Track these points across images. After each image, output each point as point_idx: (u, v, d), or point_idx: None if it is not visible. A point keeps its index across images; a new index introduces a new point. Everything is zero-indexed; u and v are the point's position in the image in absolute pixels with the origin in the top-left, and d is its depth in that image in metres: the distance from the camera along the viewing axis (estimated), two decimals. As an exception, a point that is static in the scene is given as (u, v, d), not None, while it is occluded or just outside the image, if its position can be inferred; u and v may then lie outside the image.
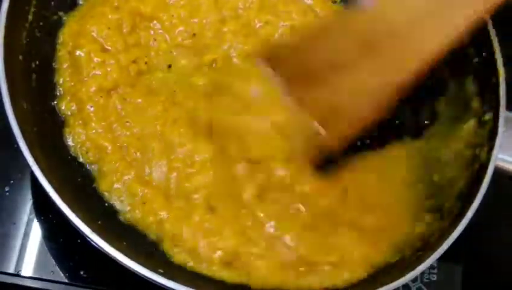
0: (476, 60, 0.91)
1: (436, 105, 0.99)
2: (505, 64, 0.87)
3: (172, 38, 0.97)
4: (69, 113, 0.89)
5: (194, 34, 0.98)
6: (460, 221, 0.79)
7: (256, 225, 0.86)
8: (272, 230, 0.86)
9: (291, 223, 0.87)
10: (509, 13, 0.78)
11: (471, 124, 0.89)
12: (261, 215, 0.87)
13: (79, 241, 0.87)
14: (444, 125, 0.96)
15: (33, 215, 0.92)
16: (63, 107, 0.90)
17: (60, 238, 0.91)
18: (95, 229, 0.74)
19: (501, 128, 0.84)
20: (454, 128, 0.92)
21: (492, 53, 0.87)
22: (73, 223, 0.74)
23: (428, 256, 0.78)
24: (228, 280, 0.83)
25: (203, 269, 0.83)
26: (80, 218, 0.74)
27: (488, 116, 0.87)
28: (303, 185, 0.89)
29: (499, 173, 0.84)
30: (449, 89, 0.97)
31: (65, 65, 0.92)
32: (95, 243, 0.73)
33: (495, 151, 0.83)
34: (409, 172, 0.94)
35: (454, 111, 0.94)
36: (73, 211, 0.74)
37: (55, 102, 0.90)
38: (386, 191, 0.93)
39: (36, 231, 0.91)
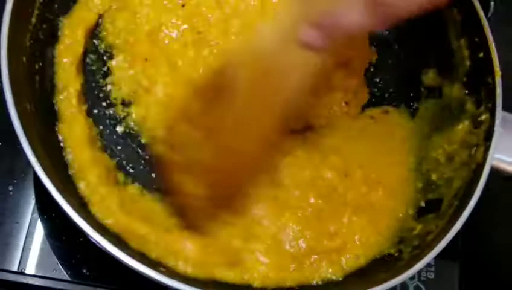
0: (470, 60, 0.92)
1: (430, 105, 1.00)
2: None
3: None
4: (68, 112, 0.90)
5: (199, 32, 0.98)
6: (457, 220, 0.80)
7: (259, 221, 0.87)
8: (275, 225, 0.87)
9: (294, 214, 0.88)
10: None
11: (466, 124, 0.90)
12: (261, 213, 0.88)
13: (81, 239, 0.88)
14: (439, 125, 0.97)
15: (36, 214, 0.93)
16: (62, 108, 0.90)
17: (62, 237, 0.92)
18: (96, 228, 0.75)
19: (497, 128, 0.85)
20: (449, 129, 0.93)
21: (489, 53, 0.88)
22: (76, 222, 0.75)
23: (426, 254, 0.79)
24: (230, 280, 0.84)
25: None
26: (82, 217, 0.75)
27: (484, 117, 0.87)
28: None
29: (495, 173, 0.85)
30: (444, 90, 0.98)
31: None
32: (97, 242, 0.75)
33: (491, 151, 0.84)
34: (410, 155, 0.96)
35: (449, 112, 0.95)
36: (76, 210, 0.75)
37: (56, 101, 0.91)
38: (388, 168, 0.95)
39: (39, 230, 0.92)
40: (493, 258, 1.01)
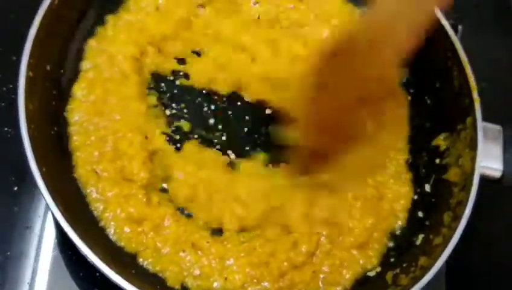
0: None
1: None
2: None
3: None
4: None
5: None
6: (454, 232, 0.87)
7: None
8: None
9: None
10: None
11: (449, 136, 0.98)
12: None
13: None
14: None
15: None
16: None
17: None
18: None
19: (481, 139, 0.91)
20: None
21: (465, 72, 0.95)
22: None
23: (431, 266, 0.85)
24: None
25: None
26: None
27: (467, 128, 0.94)
28: None
29: (482, 179, 0.90)
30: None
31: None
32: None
33: (478, 160, 0.90)
34: None
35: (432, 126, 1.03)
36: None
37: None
38: None
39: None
40: (482, 266, 1.05)
